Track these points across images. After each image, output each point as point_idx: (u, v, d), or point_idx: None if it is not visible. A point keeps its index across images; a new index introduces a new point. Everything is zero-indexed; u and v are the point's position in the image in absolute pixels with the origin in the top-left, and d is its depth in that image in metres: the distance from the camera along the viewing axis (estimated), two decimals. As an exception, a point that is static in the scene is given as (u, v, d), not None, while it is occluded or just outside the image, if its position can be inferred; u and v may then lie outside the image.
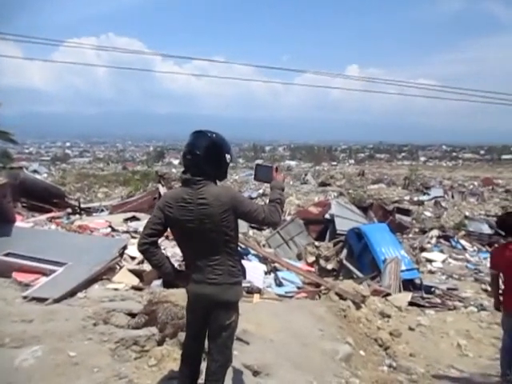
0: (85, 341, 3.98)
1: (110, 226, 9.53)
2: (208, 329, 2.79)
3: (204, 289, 2.69)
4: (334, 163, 74.33)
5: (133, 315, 4.80)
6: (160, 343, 4.09)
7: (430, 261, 12.64)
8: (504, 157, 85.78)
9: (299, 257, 12.41)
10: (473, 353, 5.89)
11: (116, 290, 5.93)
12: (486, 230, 16.65)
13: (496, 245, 13.26)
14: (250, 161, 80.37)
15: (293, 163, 72.23)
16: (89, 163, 74.17)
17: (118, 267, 6.89)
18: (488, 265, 12.73)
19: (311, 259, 11.90)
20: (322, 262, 11.63)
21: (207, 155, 2.66)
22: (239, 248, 9.32)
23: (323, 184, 36.17)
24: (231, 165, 2.93)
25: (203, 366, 2.86)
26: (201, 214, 2.63)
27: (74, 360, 3.62)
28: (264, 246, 13.12)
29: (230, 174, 51.45)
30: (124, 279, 6.46)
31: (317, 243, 12.67)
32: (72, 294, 5.43)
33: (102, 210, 16.52)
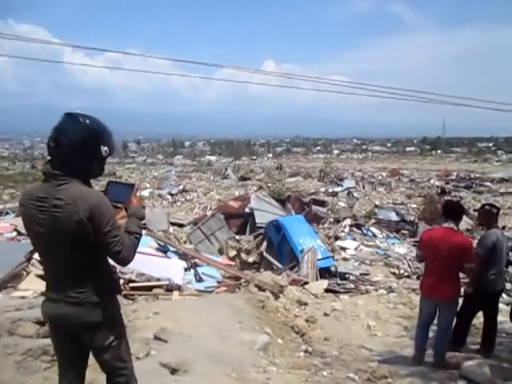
0: (-15, 356, 3.69)
1: (16, 230, 8.91)
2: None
3: (62, 309, 2.21)
4: (254, 157, 75.35)
5: (42, 323, 4.53)
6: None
7: (343, 248, 13.27)
8: (408, 149, 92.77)
9: (221, 251, 12.47)
10: (381, 332, 6.33)
11: (23, 297, 5.57)
12: (394, 217, 17.87)
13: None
14: (168, 157, 78.85)
15: (213, 158, 72.08)
16: (-10, 162, 68.05)
17: (25, 273, 6.47)
18: (396, 249, 13.67)
19: (233, 253, 12.01)
20: (243, 255, 11.78)
21: (75, 145, 2.14)
22: (159, 245, 9.16)
23: (243, 178, 36.52)
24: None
25: None
26: (53, 218, 2.13)
27: (-27, 378, 3.35)
28: (185, 242, 13.01)
29: (150, 170, 50.02)
30: (32, 286, 6.08)
31: (237, 237, 12.81)
32: (-30, 305, 5.00)
33: (7, 213, 15.47)
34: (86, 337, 2.26)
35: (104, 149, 2.23)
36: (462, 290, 4.82)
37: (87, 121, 2.21)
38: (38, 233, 2.19)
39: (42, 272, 6.57)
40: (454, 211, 4.64)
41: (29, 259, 6.82)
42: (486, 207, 5.26)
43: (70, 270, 2.20)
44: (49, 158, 2.24)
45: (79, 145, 2.15)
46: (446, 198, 22.07)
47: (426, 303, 4.70)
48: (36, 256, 7.07)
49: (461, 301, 5.04)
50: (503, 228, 14.57)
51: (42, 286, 6.16)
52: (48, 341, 3.98)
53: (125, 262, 2.25)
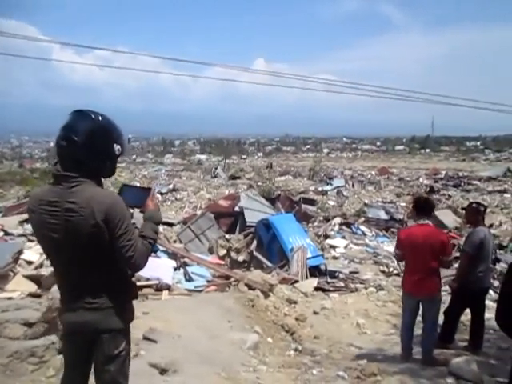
0: (-31, 360, 3.62)
1: (3, 230, 8.80)
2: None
3: (82, 316, 2.12)
4: (244, 156, 75.30)
5: (30, 325, 4.47)
6: (61, 351, 3.87)
7: (333, 247, 13.34)
8: (397, 148, 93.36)
9: (211, 250, 12.46)
10: (370, 330, 6.38)
11: (10, 299, 5.47)
12: (383, 215, 18.02)
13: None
14: (158, 155, 78.51)
15: (203, 157, 71.94)
16: (-23, 161, 67.07)
17: (12, 274, 6.39)
18: (385, 248, 13.76)
19: (223, 252, 12.00)
20: (233, 254, 11.78)
21: (88, 143, 2.01)
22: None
23: (233, 177, 36.51)
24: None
25: None
26: (67, 223, 2.01)
27: (-43, 382, 3.29)
28: (175, 241, 12.96)
29: (139, 169, 49.69)
30: (19, 287, 6.01)
31: (227, 236, 12.82)
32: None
33: (-6, 213, 15.24)
34: (100, 344, 2.15)
35: (117, 147, 2.13)
36: (447, 284, 4.86)
37: (99, 118, 2.09)
38: (49, 238, 2.07)
39: (29, 273, 6.51)
40: (425, 208, 4.68)
41: (16, 260, 6.74)
42: (474, 205, 5.32)
43: (87, 276, 2.10)
44: (57, 158, 2.08)
45: (93, 143, 2.04)
46: (435, 196, 22.32)
47: (409, 301, 4.73)
48: (23, 256, 7.01)
49: (449, 298, 5.08)
50: (490, 226, 14.74)
51: (29, 286, 6.11)
52: (35, 342, 3.95)
53: (136, 268, 2.15)
